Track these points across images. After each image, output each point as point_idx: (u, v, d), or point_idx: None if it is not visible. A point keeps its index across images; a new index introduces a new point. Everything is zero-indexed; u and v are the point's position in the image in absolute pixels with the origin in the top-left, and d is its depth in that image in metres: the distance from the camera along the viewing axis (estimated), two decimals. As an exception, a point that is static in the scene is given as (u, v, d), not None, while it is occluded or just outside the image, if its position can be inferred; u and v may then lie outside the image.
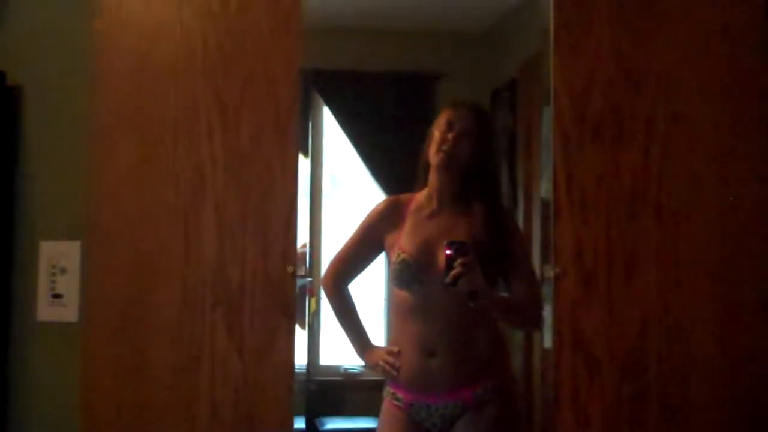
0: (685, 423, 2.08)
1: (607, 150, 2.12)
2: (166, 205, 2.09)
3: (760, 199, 2.14)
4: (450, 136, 2.16)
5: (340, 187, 4.07)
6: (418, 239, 2.18)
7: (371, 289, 3.76)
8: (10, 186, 2.39)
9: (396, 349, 2.19)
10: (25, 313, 2.37)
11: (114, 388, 2.07)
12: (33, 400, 2.36)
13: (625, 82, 2.13)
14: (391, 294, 2.24)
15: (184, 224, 2.09)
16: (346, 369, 3.85)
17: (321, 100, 3.89)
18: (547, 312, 2.12)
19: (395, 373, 2.17)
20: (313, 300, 3.74)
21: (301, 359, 3.25)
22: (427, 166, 2.23)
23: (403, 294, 2.17)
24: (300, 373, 2.67)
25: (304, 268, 2.19)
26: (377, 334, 3.56)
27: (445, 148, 2.15)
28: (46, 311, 2.38)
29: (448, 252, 2.03)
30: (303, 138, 2.22)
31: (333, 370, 3.88)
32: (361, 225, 2.30)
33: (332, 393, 3.86)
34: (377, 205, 2.31)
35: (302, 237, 2.12)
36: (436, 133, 2.19)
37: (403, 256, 2.16)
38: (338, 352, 3.78)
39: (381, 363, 2.20)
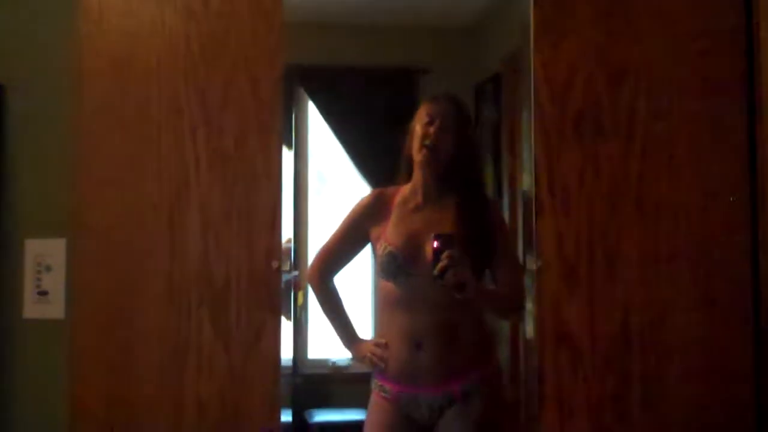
0: (666, 412, 2.10)
1: (588, 144, 2.14)
2: (150, 203, 2.10)
3: (737, 192, 2.17)
4: (431, 129, 2.17)
5: (327, 182, 4.07)
6: (404, 231, 2.18)
7: (358, 282, 3.78)
8: (-5, 184, 2.39)
9: (383, 341, 2.19)
10: (11, 311, 2.37)
11: (101, 383, 2.08)
12: (20, 396, 2.36)
13: (605, 77, 2.15)
14: (378, 286, 2.24)
15: (168, 222, 2.10)
16: (334, 362, 3.87)
17: (306, 96, 3.89)
18: (530, 304, 2.13)
19: (383, 366, 2.18)
20: (300, 294, 3.75)
21: (287, 353, 3.26)
22: (410, 159, 2.23)
23: (390, 286, 2.18)
24: (286, 367, 2.68)
25: (288, 262, 2.20)
26: (364, 326, 3.58)
27: (427, 142, 2.16)
28: (32, 308, 2.37)
29: (435, 244, 2.02)
30: (287, 133, 2.23)
31: (321, 363, 3.90)
32: (346, 218, 2.31)
33: (321, 386, 3.87)
34: (362, 198, 2.31)
35: (287, 232, 2.13)
36: (417, 127, 2.19)
37: (389, 248, 2.16)
38: (326, 345, 3.79)
39: (368, 355, 2.21)
